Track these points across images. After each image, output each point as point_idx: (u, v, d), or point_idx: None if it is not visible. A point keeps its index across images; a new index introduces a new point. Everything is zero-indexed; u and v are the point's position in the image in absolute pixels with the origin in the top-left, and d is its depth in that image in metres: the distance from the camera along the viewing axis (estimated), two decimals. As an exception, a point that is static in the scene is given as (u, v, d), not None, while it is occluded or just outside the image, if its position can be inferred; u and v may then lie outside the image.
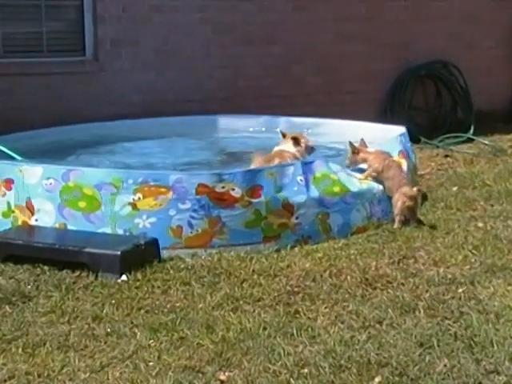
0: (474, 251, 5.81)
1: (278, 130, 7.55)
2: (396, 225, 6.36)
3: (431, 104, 11.49)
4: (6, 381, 3.97)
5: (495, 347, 4.23)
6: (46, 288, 5.15)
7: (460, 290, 5.07)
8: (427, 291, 5.07)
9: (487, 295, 4.99)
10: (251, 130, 9.01)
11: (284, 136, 7.07)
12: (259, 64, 10.02)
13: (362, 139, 6.83)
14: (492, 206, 7.18)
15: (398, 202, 6.38)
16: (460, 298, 4.94)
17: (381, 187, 6.61)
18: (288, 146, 6.93)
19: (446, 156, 9.73)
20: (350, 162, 6.72)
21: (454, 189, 7.86)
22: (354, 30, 10.58)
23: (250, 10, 9.94)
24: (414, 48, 11.05)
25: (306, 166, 6.25)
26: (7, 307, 4.86)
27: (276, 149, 6.96)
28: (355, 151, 6.68)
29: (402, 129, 7.50)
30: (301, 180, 6.12)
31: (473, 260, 5.64)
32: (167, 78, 9.49)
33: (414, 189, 6.49)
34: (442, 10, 11.34)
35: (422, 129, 10.45)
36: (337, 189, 6.31)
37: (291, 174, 6.12)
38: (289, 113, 9.06)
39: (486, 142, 10.31)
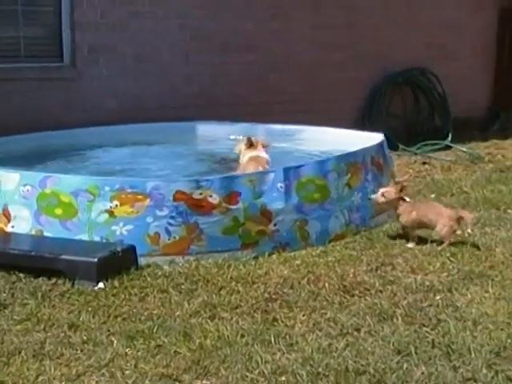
0: (451, 258, 5.83)
1: (241, 137, 7.58)
2: None
3: (409, 111, 11.54)
4: (-21, 390, 3.93)
5: (472, 354, 4.23)
6: (22, 296, 5.10)
7: (438, 298, 5.08)
8: (405, 298, 5.07)
9: (465, 302, 5.00)
10: (232, 137, 8.99)
11: (251, 142, 7.15)
12: (237, 71, 10.03)
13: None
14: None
15: None
16: (438, 306, 4.95)
17: (360, 194, 6.63)
18: (261, 152, 6.96)
19: (424, 163, 9.78)
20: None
21: (432, 196, 7.90)
22: (332, 38, 10.62)
23: (228, 18, 9.94)
24: (392, 56, 11.12)
25: (292, 171, 6.24)
26: (-18, 315, 4.81)
27: (251, 155, 6.98)
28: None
29: (380, 136, 7.51)
30: (281, 187, 6.11)
31: (450, 267, 5.65)
32: (145, 84, 9.47)
33: None
34: (420, 19, 11.41)
35: (399, 136, 10.49)
36: (317, 195, 6.31)
37: (271, 180, 6.11)
38: (266, 120, 9.06)
39: (464, 149, 10.37)
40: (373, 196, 6.37)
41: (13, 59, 8.81)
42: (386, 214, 6.94)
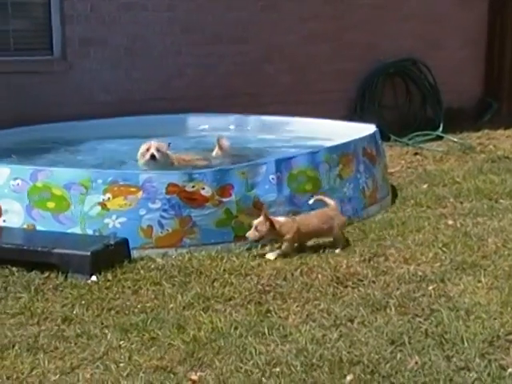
0: (444, 249, 5.84)
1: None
2: None
3: (401, 102, 11.54)
4: (-26, 384, 3.93)
5: (466, 344, 4.25)
6: (15, 289, 5.10)
7: (430, 288, 5.09)
8: (398, 289, 5.08)
9: (457, 292, 5.01)
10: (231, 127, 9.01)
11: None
12: (228, 63, 10.01)
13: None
14: (462, 203, 7.22)
15: None
16: (430, 296, 4.96)
17: (352, 185, 6.64)
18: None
19: (416, 154, 9.78)
20: None
21: (424, 186, 7.91)
22: (323, 29, 10.60)
23: (218, 9, 9.93)
24: (383, 47, 11.10)
25: (283, 163, 6.24)
26: (-25, 309, 4.81)
27: None
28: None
29: (372, 127, 7.51)
30: (272, 178, 6.11)
31: (443, 257, 5.66)
32: (136, 76, 9.45)
33: None
34: (411, 9, 11.40)
35: (391, 127, 10.48)
36: (309, 187, 6.31)
37: (264, 172, 6.11)
38: (258, 112, 9.06)
39: (456, 140, 10.38)
40: (247, 235, 5.74)
41: (2, 53, 8.79)
42: (378, 204, 6.98)
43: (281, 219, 5.83)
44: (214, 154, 7.54)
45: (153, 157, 6.72)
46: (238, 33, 10.06)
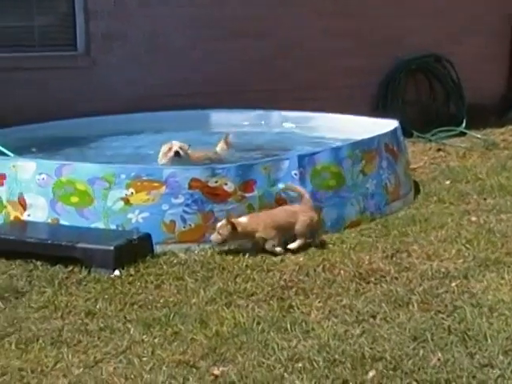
0: (467, 245, 5.81)
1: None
2: None
3: (423, 98, 11.48)
4: (-1, 377, 3.97)
5: (489, 341, 4.23)
6: (39, 283, 5.14)
7: (453, 284, 5.07)
8: (421, 285, 5.07)
9: (481, 289, 4.99)
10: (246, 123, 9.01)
11: None
12: (247, 59, 10.00)
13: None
14: (485, 199, 7.18)
15: None
16: (453, 292, 4.94)
17: (375, 181, 6.62)
18: None
19: (439, 150, 9.74)
20: None
21: (447, 183, 7.87)
22: (344, 24, 10.54)
23: (236, 5, 9.92)
24: (406, 42, 11.03)
25: (306, 158, 6.23)
26: (0, 303, 4.84)
27: None
28: None
29: (394, 122, 7.49)
30: (295, 174, 6.11)
31: (466, 254, 5.64)
32: (156, 72, 9.49)
33: None
34: (434, 4, 11.33)
35: (414, 123, 10.44)
36: (332, 182, 6.31)
37: (286, 168, 6.11)
38: (275, 108, 9.05)
39: (479, 136, 10.33)
40: (211, 238, 5.70)
41: (27, 48, 8.86)
42: (401, 201, 6.96)
43: (243, 219, 5.74)
44: (218, 149, 7.53)
45: (177, 153, 6.72)
46: (256, 28, 10.03)
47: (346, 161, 6.47)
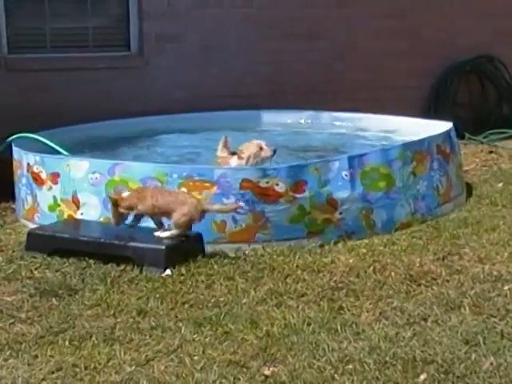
0: (520, 248, 5.76)
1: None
2: None
3: (476, 100, 11.36)
4: (53, 372, 4.02)
5: (542, 346, 4.19)
6: (92, 281, 5.21)
7: (506, 288, 5.02)
8: (472, 288, 5.03)
9: (534, 293, 4.94)
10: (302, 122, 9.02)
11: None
12: (301, 60, 10.00)
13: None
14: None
15: None
16: (506, 296, 4.89)
17: (426, 182, 6.58)
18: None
19: (491, 152, 9.64)
20: None
21: (499, 185, 7.79)
22: (398, 26, 10.48)
23: (293, 6, 9.91)
24: (459, 43, 10.92)
25: (356, 159, 6.22)
26: (54, 300, 4.92)
27: None
28: None
29: (448, 124, 7.42)
30: (346, 175, 6.11)
31: (519, 257, 5.59)
32: (210, 73, 9.51)
33: None
34: (487, 4, 11.20)
35: (466, 125, 10.33)
36: (382, 184, 6.29)
37: (336, 168, 6.11)
38: (330, 108, 9.04)
39: (532, 138, 10.20)
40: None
41: (81, 49, 8.98)
42: (452, 203, 6.91)
43: (125, 193, 5.66)
44: (218, 152, 7.45)
45: (275, 151, 6.64)
46: (312, 29, 10.03)
47: (396, 162, 6.44)
